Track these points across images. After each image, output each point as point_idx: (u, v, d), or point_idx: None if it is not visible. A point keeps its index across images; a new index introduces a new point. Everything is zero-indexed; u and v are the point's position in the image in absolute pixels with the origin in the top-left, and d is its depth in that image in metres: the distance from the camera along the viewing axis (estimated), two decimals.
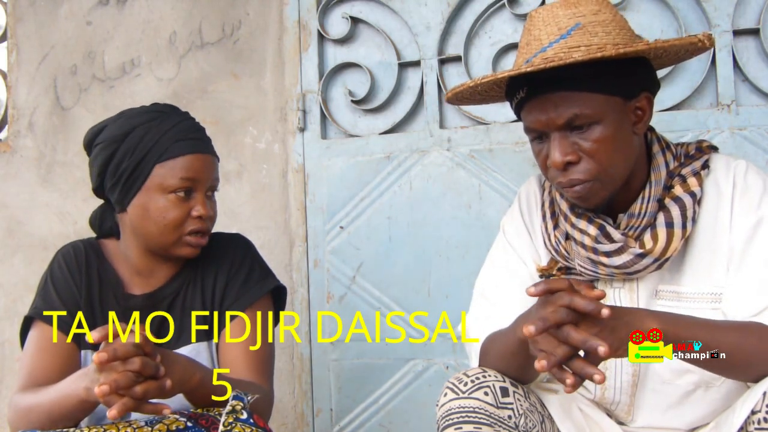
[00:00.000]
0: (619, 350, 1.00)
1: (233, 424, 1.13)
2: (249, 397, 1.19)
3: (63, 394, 1.18)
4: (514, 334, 1.09)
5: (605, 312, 0.95)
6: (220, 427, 1.14)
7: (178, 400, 1.23)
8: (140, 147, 1.32)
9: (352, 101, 2.16)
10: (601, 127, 1.11)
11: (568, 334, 0.96)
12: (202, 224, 1.36)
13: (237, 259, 1.45)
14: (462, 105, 1.38)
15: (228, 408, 1.16)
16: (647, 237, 1.15)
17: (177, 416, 1.18)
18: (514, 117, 2.02)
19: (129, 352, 1.08)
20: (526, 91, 1.13)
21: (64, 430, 1.20)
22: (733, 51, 1.85)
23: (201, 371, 1.22)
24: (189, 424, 1.18)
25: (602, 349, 0.93)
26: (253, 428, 1.14)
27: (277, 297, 1.50)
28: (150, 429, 1.17)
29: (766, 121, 1.82)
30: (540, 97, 1.12)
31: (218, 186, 1.43)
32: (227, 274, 1.43)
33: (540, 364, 0.97)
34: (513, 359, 1.15)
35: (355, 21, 2.18)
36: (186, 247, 1.36)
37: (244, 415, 1.15)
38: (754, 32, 1.86)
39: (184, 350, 1.38)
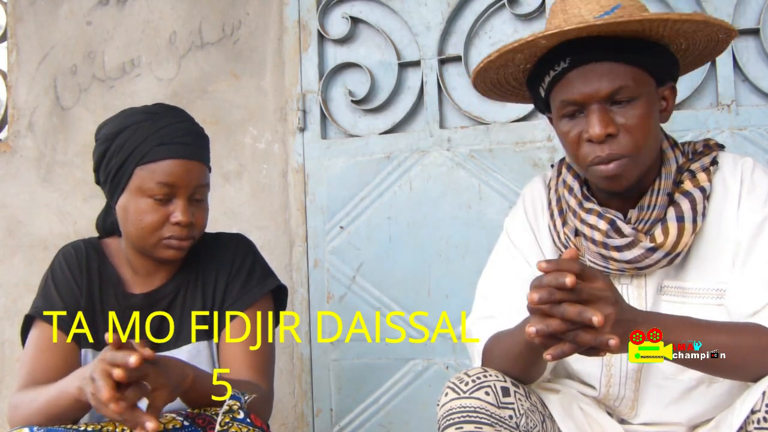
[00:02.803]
0: (621, 335, 0.98)
1: (230, 424, 1.13)
2: (246, 397, 1.19)
3: (58, 393, 1.19)
4: (521, 334, 1.08)
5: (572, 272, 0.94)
6: (217, 427, 1.13)
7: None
8: (126, 147, 1.32)
9: (352, 101, 2.16)
10: (640, 103, 1.12)
11: (564, 310, 0.95)
12: (180, 231, 1.33)
13: (238, 260, 1.44)
14: (485, 94, 1.36)
15: (225, 408, 1.16)
16: (658, 231, 1.15)
17: (174, 415, 1.18)
18: (514, 117, 2.02)
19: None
20: (569, 61, 1.13)
21: (62, 427, 1.20)
22: (733, 51, 1.85)
23: (193, 372, 1.21)
24: (186, 423, 1.18)
25: (596, 319, 0.92)
26: (250, 428, 1.14)
27: (278, 297, 1.50)
28: None
29: (766, 121, 1.82)
30: (584, 68, 1.12)
31: (207, 193, 1.40)
32: (228, 274, 1.43)
33: (529, 330, 0.97)
34: (519, 359, 1.15)
35: (355, 21, 2.18)
36: (166, 250, 1.34)
37: (241, 415, 1.15)
38: (754, 32, 1.86)
39: (183, 350, 1.39)
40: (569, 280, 0.94)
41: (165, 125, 1.34)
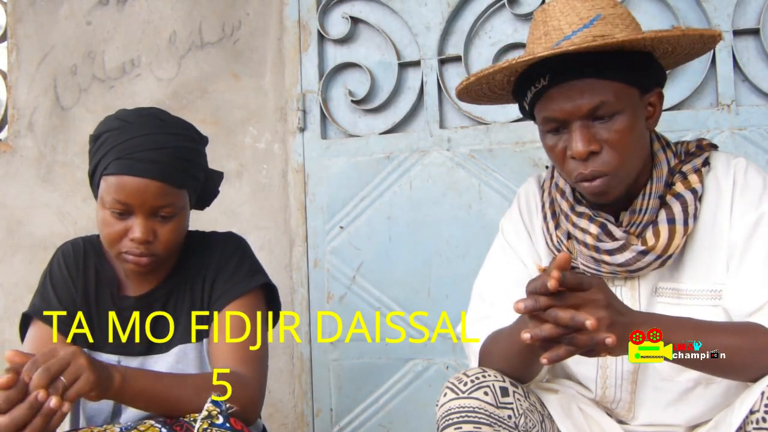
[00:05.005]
0: (621, 338, 0.98)
1: (208, 430, 1.12)
2: (227, 406, 1.16)
3: None
4: (518, 334, 1.08)
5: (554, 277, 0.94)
6: None
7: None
8: (96, 155, 1.30)
9: (352, 101, 2.16)
10: (623, 117, 1.11)
11: (556, 315, 0.95)
12: (137, 247, 1.28)
13: (225, 257, 1.40)
14: (472, 103, 1.35)
15: (203, 413, 1.13)
16: (649, 234, 1.14)
17: (152, 422, 1.16)
18: (514, 117, 2.02)
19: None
20: (549, 78, 1.12)
21: None
22: (733, 51, 1.85)
23: (117, 379, 1.11)
24: (163, 430, 1.15)
25: (589, 322, 0.92)
26: None
27: (270, 296, 1.46)
28: None
29: (766, 121, 1.82)
30: (565, 85, 1.11)
31: (177, 212, 1.31)
32: (215, 271, 1.39)
33: (524, 335, 0.97)
34: (517, 358, 1.15)
35: (355, 21, 2.18)
36: (125, 263, 1.31)
37: (220, 420, 1.13)
38: (754, 32, 1.86)
39: (171, 352, 1.37)
40: (551, 283, 0.94)
41: (129, 138, 1.27)
